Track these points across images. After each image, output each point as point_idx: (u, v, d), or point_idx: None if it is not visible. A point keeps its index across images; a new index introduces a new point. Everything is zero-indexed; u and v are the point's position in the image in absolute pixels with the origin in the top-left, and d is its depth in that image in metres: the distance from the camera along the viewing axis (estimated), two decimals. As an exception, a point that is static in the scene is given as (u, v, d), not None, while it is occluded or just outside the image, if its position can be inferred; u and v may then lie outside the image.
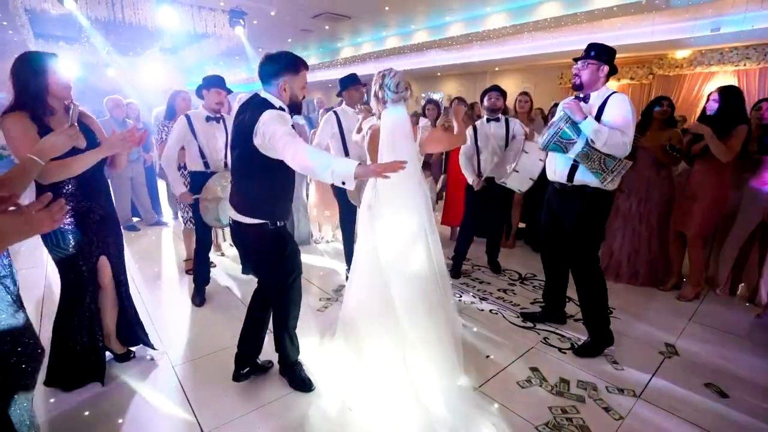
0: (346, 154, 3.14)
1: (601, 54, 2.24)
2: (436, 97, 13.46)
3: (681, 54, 8.22)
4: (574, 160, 2.27)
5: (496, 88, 3.35)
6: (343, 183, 1.54)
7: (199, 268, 3.05)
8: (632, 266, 3.44)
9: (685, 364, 2.35)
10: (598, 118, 2.21)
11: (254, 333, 2.08)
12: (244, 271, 3.50)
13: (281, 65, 1.74)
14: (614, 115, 2.17)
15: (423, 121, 2.28)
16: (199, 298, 3.03)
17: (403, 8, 8.21)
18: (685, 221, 3.13)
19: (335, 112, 3.15)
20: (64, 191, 1.82)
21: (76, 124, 1.54)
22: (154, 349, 2.35)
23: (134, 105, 5.02)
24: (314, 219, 4.58)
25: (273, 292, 1.99)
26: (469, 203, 3.48)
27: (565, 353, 2.40)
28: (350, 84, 3.16)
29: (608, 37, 7.14)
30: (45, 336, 1.90)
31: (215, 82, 2.87)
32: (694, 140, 3.11)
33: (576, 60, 2.31)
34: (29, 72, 1.70)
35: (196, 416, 1.90)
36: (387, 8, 8.14)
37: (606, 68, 2.24)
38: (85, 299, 1.98)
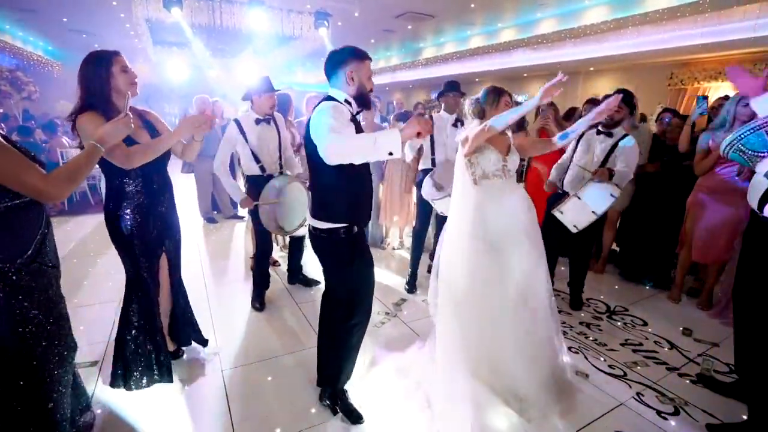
0: (432, 153, 3.14)
1: None
2: (520, 99, 12.66)
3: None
4: None
5: (624, 94, 2.68)
6: (391, 153, 1.44)
7: (257, 276, 3.02)
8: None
9: None
10: None
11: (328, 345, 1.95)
12: (291, 281, 3.42)
13: (345, 53, 1.70)
14: None
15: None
16: (258, 302, 2.99)
17: (490, 5, 7.75)
18: None
19: (431, 116, 3.12)
20: (128, 189, 1.85)
21: (129, 113, 1.57)
22: (205, 345, 2.34)
23: (219, 104, 5.31)
24: (382, 222, 4.43)
25: (340, 303, 1.83)
26: (546, 215, 3.03)
27: (666, 419, 1.93)
28: (447, 91, 3.15)
29: (741, 28, 6.02)
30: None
31: (268, 87, 2.77)
32: None
33: None
34: (95, 72, 1.72)
35: (233, 427, 1.82)
36: (473, 5, 7.75)
37: None
38: (145, 295, 1.98)
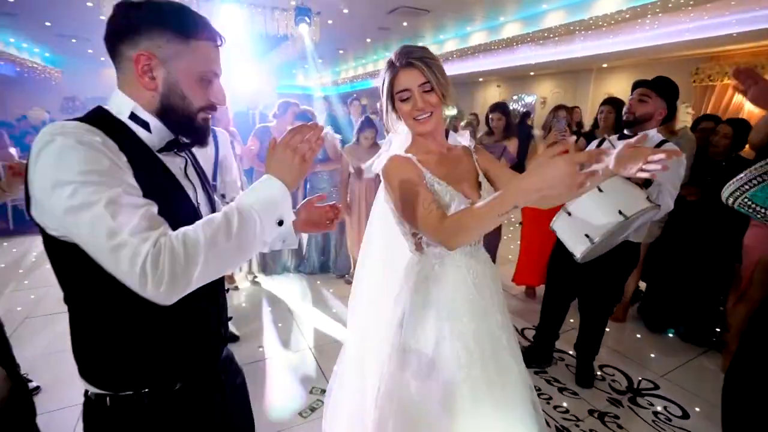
0: None
1: None
2: (528, 99, 11.82)
3: None
4: None
5: (645, 83, 1.96)
6: (281, 223, 0.78)
7: None
8: None
9: None
10: None
11: None
12: None
13: (142, 15, 0.75)
14: None
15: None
16: None
17: (491, -4, 7.01)
18: None
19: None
20: None
21: None
22: None
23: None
24: (350, 251, 3.71)
25: None
26: (555, 252, 2.22)
27: None
28: None
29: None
30: None
31: None
32: None
33: None
34: None
35: None
36: (471, -3, 7.02)
37: None
38: None
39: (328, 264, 3.84)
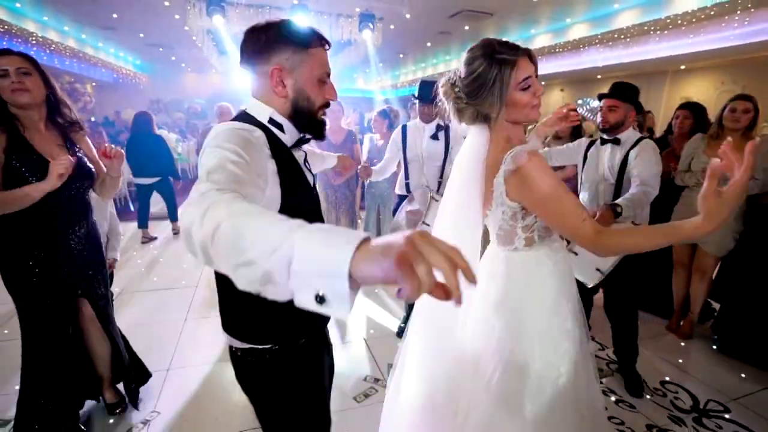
0: (407, 177, 2.57)
1: None
2: (594, 104, 11.25)
3: None
4: None
5: (607, 94, 2.12)
6: (321, 300, 0.44)
7: None
8: None
9: None
10: None
11: None
12: None
13: (270, 36, 0.90)
14: None
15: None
16: None
17: (557, -2, 6.81)
18: None
19: (404, 127, 2.61)
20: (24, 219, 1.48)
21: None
22: (137, 408, 1.95)
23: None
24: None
25: None
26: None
27: None
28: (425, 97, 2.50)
29: None
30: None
31: None
32: None
33: None
34: None
35: None
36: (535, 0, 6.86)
37: None
38: (54, 346, 1.64)
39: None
